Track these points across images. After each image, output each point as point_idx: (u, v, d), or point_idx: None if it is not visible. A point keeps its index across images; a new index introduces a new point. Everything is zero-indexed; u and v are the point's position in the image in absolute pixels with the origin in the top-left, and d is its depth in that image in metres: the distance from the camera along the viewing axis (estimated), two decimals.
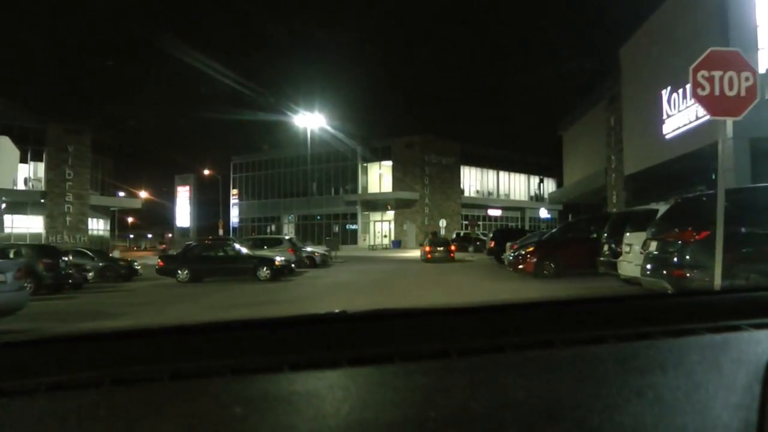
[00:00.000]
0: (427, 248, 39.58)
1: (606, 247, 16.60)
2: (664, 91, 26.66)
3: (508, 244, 29.43)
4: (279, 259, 26.51)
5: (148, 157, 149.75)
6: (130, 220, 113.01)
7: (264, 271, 25.33)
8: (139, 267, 29.82)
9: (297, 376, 1.27)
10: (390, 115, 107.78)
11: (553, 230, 24.55)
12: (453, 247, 40.76)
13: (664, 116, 26.73)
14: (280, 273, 25.63)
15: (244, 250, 27.33)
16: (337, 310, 1.64)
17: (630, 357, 1.38)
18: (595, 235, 20.24)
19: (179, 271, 25.98)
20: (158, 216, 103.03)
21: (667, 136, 26.52)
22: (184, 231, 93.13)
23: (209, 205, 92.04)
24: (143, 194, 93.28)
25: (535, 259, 20.44)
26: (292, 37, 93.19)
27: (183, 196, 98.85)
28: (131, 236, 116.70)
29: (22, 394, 1.22)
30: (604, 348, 1.43)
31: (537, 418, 1.13)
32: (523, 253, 21.11)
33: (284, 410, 1.14)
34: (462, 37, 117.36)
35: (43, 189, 51.10)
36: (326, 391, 1.21)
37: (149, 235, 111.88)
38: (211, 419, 1.11)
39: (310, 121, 49.97)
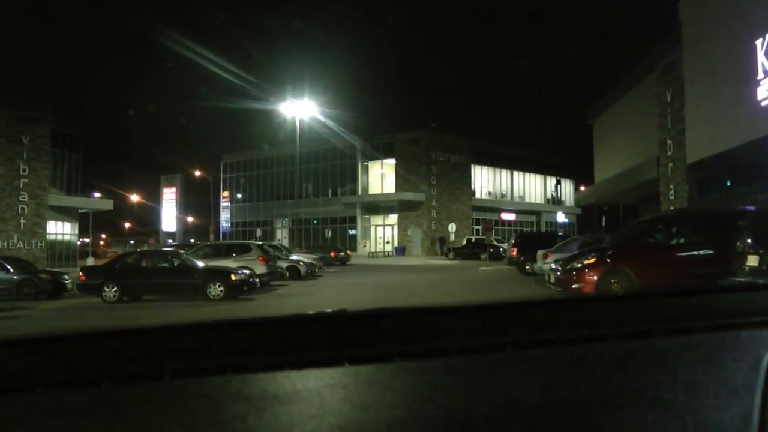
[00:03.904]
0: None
1: (755, 260, 9.75)
2: (758, 42, 19.75)
3: (540, 253, 24.30)
4: (242, 272, 20.80)
5: (132, 155, 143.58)
6: (127, 225, 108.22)
7: (216, 288, 19.78)
8: (69, 281, 23.68)
9: (297, 375, 1.28)
10: (392, 108, 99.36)
11: (617, 233, 17.79)
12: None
13: (760, 75, 19.85)
14: (238, 290, 20.04)
15: (195, 262, 21.34)
16: (336, 309, 1.60)
17: (630, 356, 1.41)
18: (682, 240, 14.53)
19: (105, 288, 20.20)
20: (156, 220, 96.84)
21: (764, 103, 19.60)
22: (170, 236, 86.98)
23: (198, 207, 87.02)
24: (135, 197, 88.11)
25: (597, 276, 13.78)
26: (285, 22, 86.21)
27: (169, 199, 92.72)
28: (132, 242, 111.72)
29: (23, 393, 1.23)
30: (604, 347, 1.45)
31: (537, 416, 1.14)
32: (580, 266, 14.36)
33: (284, 409, 1.15)
34: (472, 18, 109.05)
35: None
36: (326, 390, 1.22)
37: (150, 241, 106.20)
38: (211, 418, 1.13)
39: (301, 111, 43.97)
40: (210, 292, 19.53)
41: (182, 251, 24.26)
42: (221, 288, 19.60)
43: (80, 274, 21.34)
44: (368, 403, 1.17)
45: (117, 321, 15.59)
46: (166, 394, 1.24)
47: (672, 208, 27.30)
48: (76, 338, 1.43)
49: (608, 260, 14.28)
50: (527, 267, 28.02)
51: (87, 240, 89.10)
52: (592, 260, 14.34)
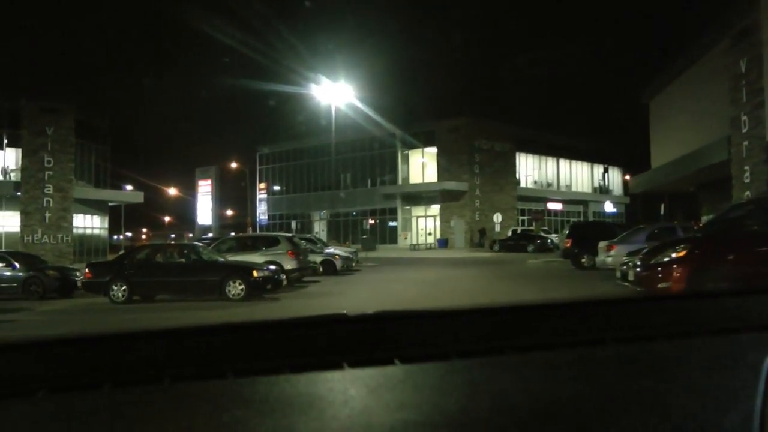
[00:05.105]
0: None
1: None
2: None
3: (602, 244, 21.95)
4: (267, 268, 18.61)
5: (167, 148, 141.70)
6: (167, 219, 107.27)
7: (235, 286, 17.54)
8: (80, 278, 21.33)
9: (298, 378, 1.29)
10: (433, 94, 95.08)
11: (710, 221, 15.13)
12: None
13: None
14: (260, 288, 17.86)
15: (213, 257, 19.45)
16: (337, 312, 1.58)
17: (630, 359, 1.43)
18: None
19: (113, 287, 18.06)
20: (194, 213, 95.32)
21: None
22: (206, 229, 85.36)
23: (235, 200, 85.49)
24: (172, 190, 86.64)
25: (688, 271, 11.25)
26: (321, 5, 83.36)
27: (204, 191, 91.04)
28: (173, 236, 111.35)
29: (23, 397, 1.23)
30: (604, 350, 1.47)
31: (537, 420, 1.16)
32: (667, 260, 11.78)
33: (285, 413, 1.16)
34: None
35: (15, 179, 43.35)
36: (327, 393, 1.23)
37: (190, 235, 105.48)
38: (212, 422, 1.14)
39: (338, 98, 41.97)
40: (229, 291, 17.44)
41: (200, 245, 22.20)
42: (242, 286, 17.46)
43: (86, 270, 19.22)
44: (369, 406, 1.18)
45: (117, 326, 13.25)
46: (166, 398, 1.23)
47: (747, 193, 24.44)
48: (77, 341, 1.44)
49: (702, 253, 11.69)
50: (583, 260, 25.93)
51: (129, 234, 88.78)
52: (682, 253, 11.72)
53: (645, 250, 13.32)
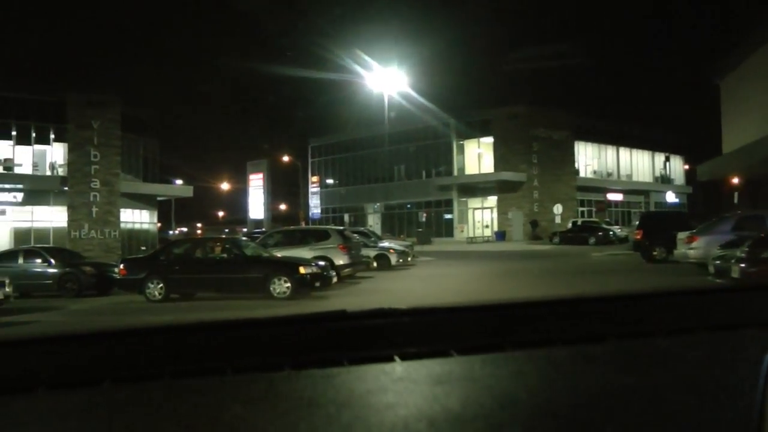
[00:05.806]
0: None
1: None
2: None
3: (682, 236, 20.22)
4: (315, 264, 17.30)
5: (219, 142, 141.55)
6: (221, 213, 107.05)
7: (281, 284, 16.23)
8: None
9: (298, 375, 1.30)
10: (488, 82, 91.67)
11: None
12: None
13: None
14: (308, 285, 16.51)
15: (257, 252, 18.18)
16: (336, 309, 1.61)
17: (630, 355, 1.44)
18: None
19: (150, 284, 16.90)
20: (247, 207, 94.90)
21: None
22: (258, 223, 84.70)
23: (287, 194, 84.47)
24: (225, 185, 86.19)
25: None
26: None
27: (256, 185, 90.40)
28: (227, 230, 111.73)
29: (23, 393, 1.24)
30: (604, 346, 1.47)
31: (537, 416, 1.16)
32: None
33: (285, 409, 1.16)
34: None
35: (62, 174, 42.47)
36: (327, 390, 1.24)
37: (244, 229, 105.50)
38: (212, 418, 1.14)
39: (390, 87, 40.73)
40: (274, 289, 16.17)
41: (243, 239, 20.95)
42: (287, 284, 16.15)
43: (121, 267, 17.99)
44: (369, 403, 1.18)
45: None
46: (166, 394, 1.24)
47: None
48: (76, 338, 1.43)
49: None
50: (655, 253, 24.17)
51: (184, 229, 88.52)
52: None
53: (749, 242, 11.55)
